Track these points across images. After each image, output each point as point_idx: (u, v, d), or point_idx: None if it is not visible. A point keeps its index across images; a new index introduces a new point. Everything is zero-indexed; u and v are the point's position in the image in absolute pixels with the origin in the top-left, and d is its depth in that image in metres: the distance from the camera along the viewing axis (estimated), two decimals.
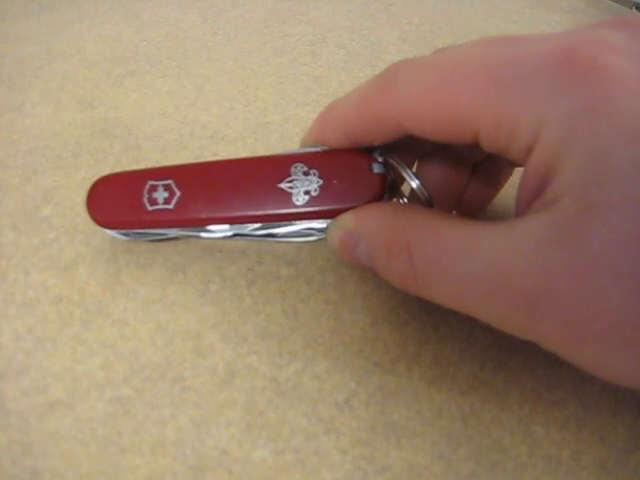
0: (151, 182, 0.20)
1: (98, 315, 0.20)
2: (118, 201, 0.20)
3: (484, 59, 0.16)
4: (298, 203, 0.18)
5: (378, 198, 0.18)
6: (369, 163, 0.18)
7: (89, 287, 0.21)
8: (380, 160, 0.18)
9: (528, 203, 0.15)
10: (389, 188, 0.18)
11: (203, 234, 0.22)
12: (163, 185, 0.19)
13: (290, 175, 0.18)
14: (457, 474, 0.17)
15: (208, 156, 0.26)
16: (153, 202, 0.19)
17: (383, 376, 0.19)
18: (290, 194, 0.18)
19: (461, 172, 0.21)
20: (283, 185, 0.18)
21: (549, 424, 0.18)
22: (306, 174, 0.18)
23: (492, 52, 0.16)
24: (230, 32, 0.36)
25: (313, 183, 0.18)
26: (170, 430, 0.17)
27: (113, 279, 0.21)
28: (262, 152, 0.26)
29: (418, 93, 0.17)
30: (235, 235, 0.22)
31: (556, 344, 0.14)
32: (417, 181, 0.18)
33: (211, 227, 0.22)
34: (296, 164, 0.18)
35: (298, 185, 0.18)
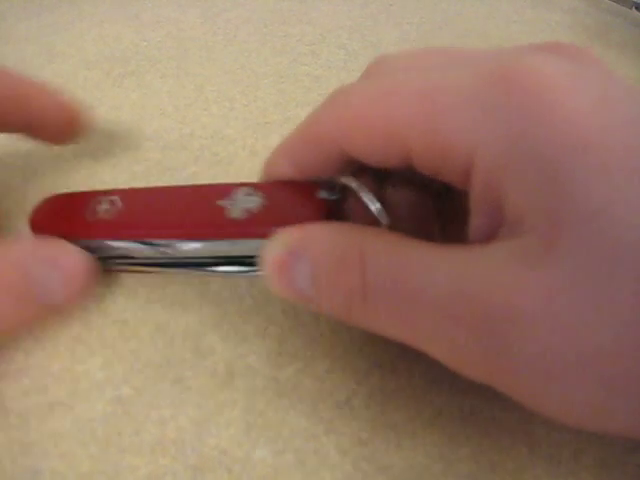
0: (98, 198, 0.20)
1: (98, 315, 0.20)
2: (61, 214, 0.20)
3: (422, 83, 0.15)
4: (233, 216, 0.18)
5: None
6: (316, 189, 0.18)
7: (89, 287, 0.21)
8: (331, 186, 0.18)
9: (484, 229, 0.14)
10: (339, 215, 0.18)
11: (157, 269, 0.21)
12: (109, 200, 0.20)
13: (231, 195, 0.18)
14: (457, 474, 0.17)
15: (208, 156, 0.26)
16: (94, 213, 0.19)
17: (383, 376, 0.19)
18: (227, 209, 0.18)
19: (427, 200, 0.19)
20: (222, 202, 0.18)
21: (549, 424, 0.18)
22: (249, 195, 0.18)
23: (430, 77, 0.15)
24: (230, 32, 0.36)
25: (254, 202, 0.18)
26: (170, 430, 0.17)
27: (113, 279, 0.21)
28: (262, 152, 0.26)
29: (354, 112, 0.16)
30: (179, 265, 0.20)
31: (519, 383, 0.13)
32: (378, 204, 0.17)
33: (151, 251, 0.20)
34: (242, 188, 0.18)
35: (238, 203, 0.18)
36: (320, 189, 0.18)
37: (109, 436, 0.17)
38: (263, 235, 0.17)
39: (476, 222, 0.15)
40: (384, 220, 0.17)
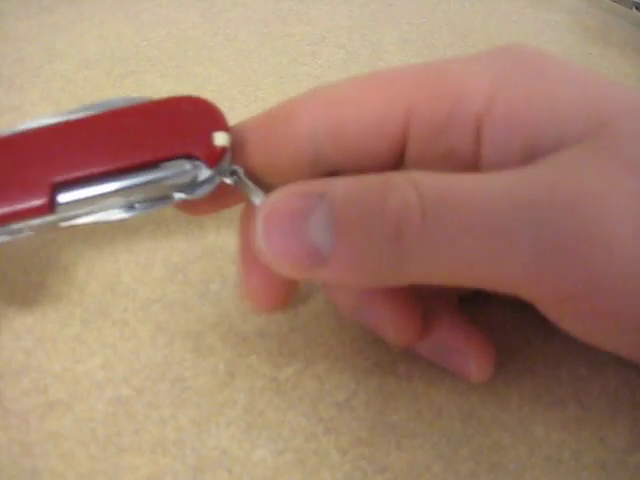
0: None
1: (98, 315, 0.20)
2: None
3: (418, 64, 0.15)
4: None
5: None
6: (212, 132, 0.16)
7: (89, 287, 0.21)
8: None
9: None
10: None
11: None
12: None
13: None
14: (457, 474, 0.17)
15: None
16: None
17: (383, 376, 0.19)
18: None
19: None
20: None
21: (549, 424, 0.18)
22: None
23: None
24: (230, 32, 0.36)
25: None
26: (170, 430, 0.17)
27: (113, 279, 0.21)
28: None
29: (338, 88, 0.15)
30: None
31: (612, 297, 0.12)
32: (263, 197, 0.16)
33: None
34: None
35: None
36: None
37: (109, 436, 0.17)
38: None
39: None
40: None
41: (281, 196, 0.13)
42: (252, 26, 0.37)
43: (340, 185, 0.13)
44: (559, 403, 0.18)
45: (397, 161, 0.16)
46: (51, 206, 0.16)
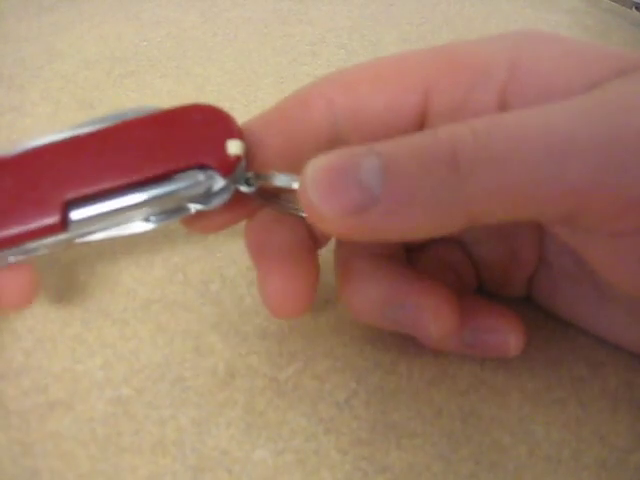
0: None
1: (98, 315, 0.20)
2: None
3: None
4: None
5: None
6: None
7: (89, 287, 0.21)
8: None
9: None
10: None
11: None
12: None
13: None
14: (457, 474, 0.17)
15: None
16: None
17: (383, 376, 0.19)
18: None
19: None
20: None
21: (549, 424, 0.18)
22: None
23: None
24: (230, 32, 0.36)
25: None
26: (170, 430, 0.17)
27: (113, 279, 0.21)
28: None
29: (355, 69, 0.15)
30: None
31: None
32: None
33: None
34: None
35: None
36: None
37: (109, 436, 0.17)
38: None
39: None
40: None
41: (327, 155, 0.13)
42: (252, 26, 0.37)
43: (387, 142, 0.13)
44: (559, 403, 0.18)
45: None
46: (64, 224, 0.15)
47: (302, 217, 0.17)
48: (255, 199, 0.17)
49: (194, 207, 0.16)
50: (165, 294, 0.21)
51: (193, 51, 0.34)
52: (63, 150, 0.16)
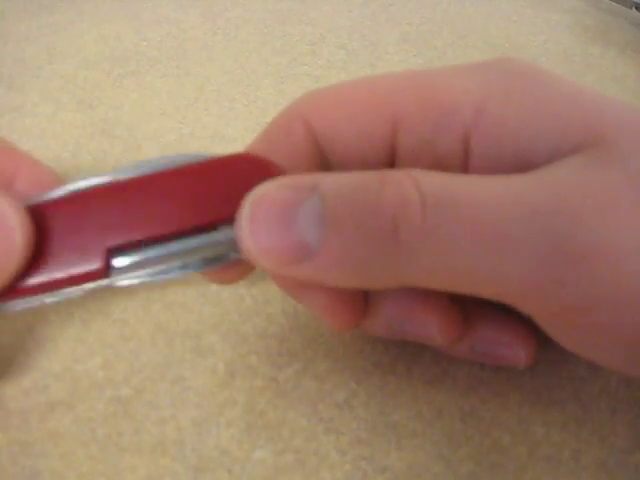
0: None
1: (98, 315, 0.20)
2: None
3: (408, 71, 0.15)
4: None
5: None
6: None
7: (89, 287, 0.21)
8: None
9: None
10: None
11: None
12: None
13: None
14: (457, 474, 0.17)
15: None
16: None
17: (383, 376, 0.19)
18: None
19: None
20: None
21: (549, 424, 0.18)
22: None
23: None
24: (230, 32, 0.36)
25: None
26: (170, 430, 0.17)
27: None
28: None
29: (329, 90, 0.15)
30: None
31: (607, 308, 0.12)
32: None
33: None
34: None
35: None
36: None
37: (109, 436, 0.17)
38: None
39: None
40: None
41: (270, 187, 0.13)
42: (252, 26, 0.37)
43: (333, 178, 0.13)
44: (559, 403, 0.18)
45: (392, 166, 0.16)
46: (106, 271, 0.15)
47: None
48: None
49: (234, 255, 0.16)
50: (165, 294, 0.21)
51: (193, 51, 0.34)
52: (107, 196, 0.16)
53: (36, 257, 0.15)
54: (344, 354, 0.19)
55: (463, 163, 0.15)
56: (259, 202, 0.13)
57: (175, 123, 0.28)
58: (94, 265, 0.15)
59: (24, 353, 0.19)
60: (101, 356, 0.19)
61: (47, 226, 0.15)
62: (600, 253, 0.12)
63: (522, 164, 0.14)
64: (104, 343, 0.19)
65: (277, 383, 0.19)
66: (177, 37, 0.35)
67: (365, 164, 0.16)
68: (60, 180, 0.18)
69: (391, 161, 0.16)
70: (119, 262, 0.15)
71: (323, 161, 0.16)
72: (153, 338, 0.20)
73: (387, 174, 0.12)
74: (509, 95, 0.14)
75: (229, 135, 0.27)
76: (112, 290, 0.21)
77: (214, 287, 0.21)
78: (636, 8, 0.38)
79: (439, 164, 0.15)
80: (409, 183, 0.12)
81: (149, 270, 0.16)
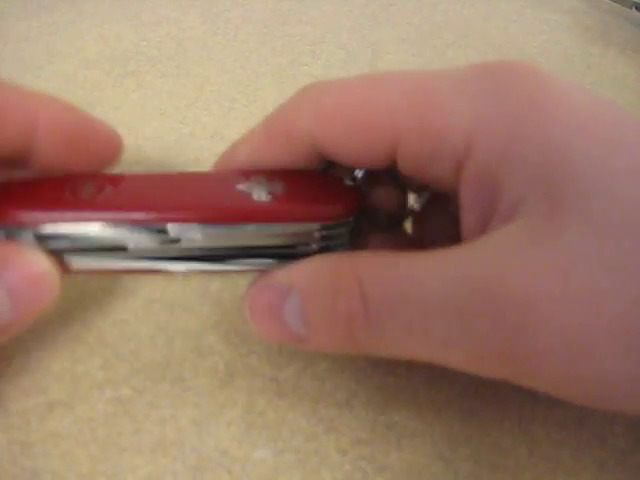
0: (79, 180, 0.16)
1: (98, 315, 0.20)
2: (36, 195, 0.16)
3: (407, 73, 0.15)
4: (259, 199, 0.15)
5: (353, 211, 0.16)
6: (337, 177, 0.17)
7: (89, 288, 0.21)
8: (352, 176, 0.17)
9: (477, 224, 0.14)
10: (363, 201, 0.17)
11: (159, 265, 0.16)
12: (94, 184, 0.16)
13: (251, 180, 0.16)
14: (457, 474, 0.17)
15: (208, 156, 0.26)
16: (74, 195, 0.16)
17: (383, 376, 0.19)
18: (250, 193, 0.16)
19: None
20: (242, 186, 0.16)
21: (549, 424, 0.18)
22: (270, 180, 0.16)
23: (412, 71, 0.15)
24: (230, 32, 0.36)
25: (278, 188, 0.16)
26: (170, 430, 0.17)
27: (113, 279, 0.21)
28: None
29: (332, 100, 0.15)
30: (191, 268, 0.16)
31: (545, 368, 0.12)
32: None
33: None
34: (259, 175, 0.16)
35: (261, 187, 0.16)
36: (343, 177, 0.17)
37: (109, 436, 0.17)
38: (294, 218, 0.15)
39: (468, 218, 0.14)
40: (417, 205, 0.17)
41: (258, 290, 0.15)
42: (252, 26, 0.37)
43: (303, 278, 0.15)
44: (559, 403, 0.18)
45: (392, 165, 0.16)
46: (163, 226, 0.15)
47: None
48: None
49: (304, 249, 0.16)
50: (165, 294, 0.21)
51: (193, 51, 0.34)
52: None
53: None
54: (344, 354, 0.19)
55: (457, 188, 0.15)
56: (252, 304, 0.15)
57: (175, 123, 0.28)
58: (153, 216, 0.15)
59: (24, 353, 0.19)
60: (101, 356, 0.19)
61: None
62: (523, 342, 0.12)
63: (490, 213, 0.14)
64: (104, 343, 0.19)
65: (277, 383, 0.19)
66: (177, 37, 0.35)
67: (367, 164, 0.16)
68: (82, 115, 0.19)
69: (393, 163, 0.16)
70: (173, 230, 0.15)
71: (323, 161, 0.17)
72: (153, 338, 0.20)
73: (339, 279, 0.14)
74: (497, 130, 0.14)
75: (229, 135, 0.27)
76: (112, 290, 0.21)
77: (214, 287, 0.21)
78: (636, 8, 0.39)
79: (436, 182, 0.15)
80: (356, 290, 0.14)
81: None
